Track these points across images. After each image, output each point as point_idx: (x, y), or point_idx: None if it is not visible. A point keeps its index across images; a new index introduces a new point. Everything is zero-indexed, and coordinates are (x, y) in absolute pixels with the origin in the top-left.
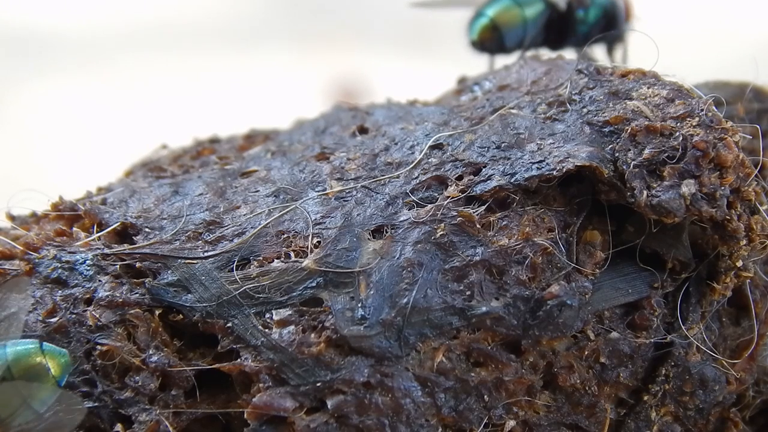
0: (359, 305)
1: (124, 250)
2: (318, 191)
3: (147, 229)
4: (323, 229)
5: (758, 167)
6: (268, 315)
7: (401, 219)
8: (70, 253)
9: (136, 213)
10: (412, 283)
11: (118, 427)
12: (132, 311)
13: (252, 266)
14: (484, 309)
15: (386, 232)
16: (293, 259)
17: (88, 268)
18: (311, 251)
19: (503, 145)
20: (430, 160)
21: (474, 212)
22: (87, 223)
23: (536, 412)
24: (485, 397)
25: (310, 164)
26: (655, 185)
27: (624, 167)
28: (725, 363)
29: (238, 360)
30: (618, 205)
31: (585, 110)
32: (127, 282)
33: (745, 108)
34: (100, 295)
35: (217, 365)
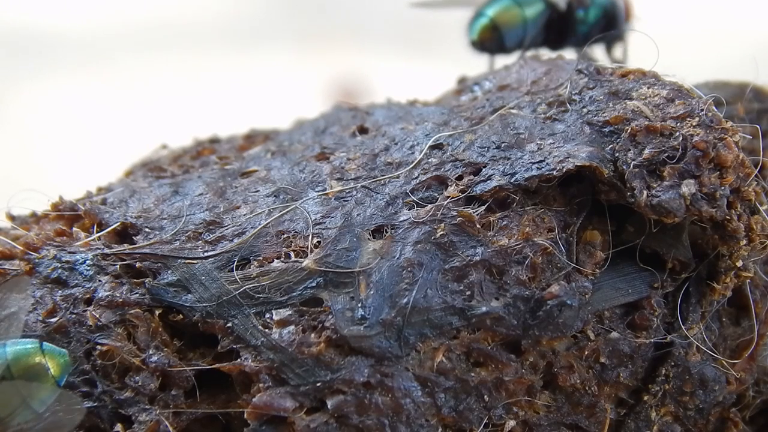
0: (359, 305)
1: (124, 250)
2: (318, 191)
3: (147, 229)
4: (323, 229)
5: (758, 167)
6: (268, 315)
7: (401, 219)
8: (70, 253)
9: (136, 213)
10: (412, 283)
11: (118, 427)
12: (132, 311)
13: (252, 266)
14: (484, 309)
15: (386, 232)
16: (293, 259)
17: (88, 268)
18: (311, 251)
19: (503, 145)
20: (430, 160)
21: (474, 212)
22: (87, 223)
23: (536, 412)
24: (485, 397)
25: (310, 164)
26: (655, 185)
27: (624, 167)
28: (725, 363)
29: (238, 360)
30: (618, 205)
31: (585, 110)
32: (127, 282)
33: (745, 108)
34: (100, 295)
35: (217, 365)
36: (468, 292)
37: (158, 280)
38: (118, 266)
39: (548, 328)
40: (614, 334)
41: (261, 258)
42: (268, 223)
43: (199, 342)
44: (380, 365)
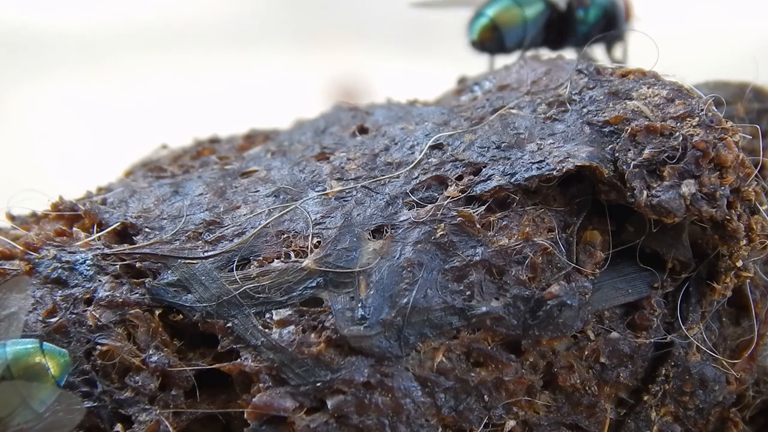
0: (359, 305)
1: (124, 250)
2: (318, 191)
3: (147, 229)
4: (323, 229)
5: (758, 167)
6: (268, 315)
7: (401, 219)
8: (70, 253)
9: (136, 213)
10: (412, 283)
11: (118, 427)
12: (132, 311)
13: (252, 266)
14: (484, 309)
15: (386, 232)
16: (293, 259)
17: (88, 268)
18: (311, 251)
19: (503, 145)
20: (430, 160)
21: (474, 212)
22: (87, 223)
23: (536, 412)
24: (485, 397)
25: (310, 164)
26: (655, 185)
27: (624, 167)
28: (725, 363)
29: (238, 360)
30: (618, 205)
31: (585, 110)
32: (127, 282)
33: (745, 108)
34: (100, 295)
35: (217, 365)
36: (468, 292)
37: (158, 280)
38: (118, 266)
39: (548, 328)
40: (614, 334)
41: (261, 258)
42: (268, 223)
43: (199, 342)
44: (380, 365)
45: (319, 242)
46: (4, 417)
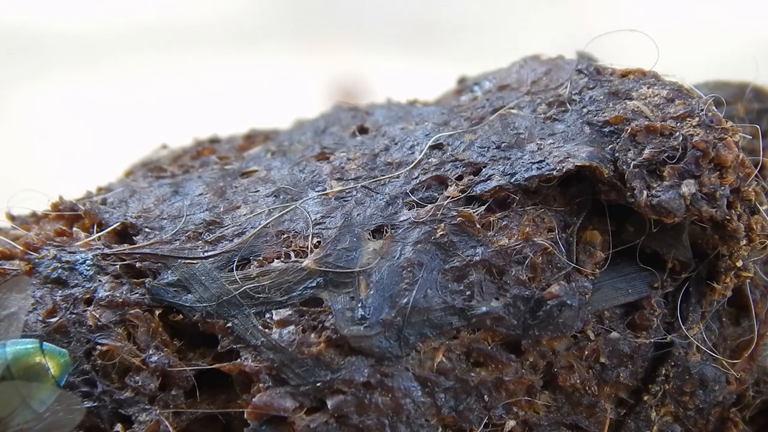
0: (359, 305)
1: (124, 250)
2: (318, 191)
3: (147, 229)
4: (323, 229)
5: (758, 167)
6: (268, 315)
7: (401, 219)
8: (70, 253)
9: (136, 213)
10: (412, 283)
11: (118, 427)
12: (132, 311)
13: (252, 266)
14: (484, 309)
15: (386, 232)
16: (293, 259)
17: (88, 268)
18: (311, 251)
19: (503, 145)
20: (430, 160)
21: (474, 212)
22: (87, 223)
23: (536, 412)
24: (485, 397)
25: (310, 164)
26: (655, 185)
27: (624, 167)
28: (725, 363)
29: (238, 360)
30: (618, 205)
31: (585, 110)
32: (127, 282)
33: (745, 108)
34: (100, 295)
35: (217, 365)
36: (468, 292)
37: (158, 280)
38: (118, 266)
39: (548, 328)
40: (614, 334)
41: (261, 258)
42: (268, 223)
43: (199, 342)
44: (380, 365)
45: (319, 242)
46: (4, 417)
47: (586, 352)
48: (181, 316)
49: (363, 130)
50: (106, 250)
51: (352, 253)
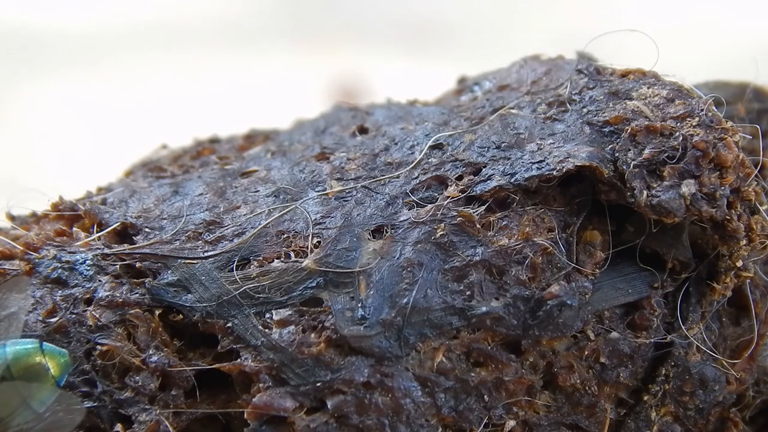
0: (359, 305)
1: (124, 250)
2: (318, 191)
3: (147, 229)
4: (323, 229)
5: (758, 167)
6: (268, 315)
7: (401, 219)
8: (70, 253)
9: (136, 213)
10: (412, 283)
11: (118, 427)
12: (132, 311)
13: (252, 266)
14: (484, 309)
15: (386, 232)
16: (293, 259)
17: (88, 268)
18: (311, 251)
19: (503, 145)
20: (430, 160)
21: (474, 212)
22: (87, 223)
23: (536, 412)
24: (485, 397)
25: (310, 164)
26: (655, 185)
27: (624, 167)
28: (725, 363)
29: (238, 360)
30: (618, 205)
31: (585, 110)
32: (127, 282)
33: (745, 108)
34: (100, 295)
35: (217, 365)
36: (468, 292)
37: (158, 280)
38: (118, 266)
39: (548, 328)
40: (614, 334)
41: (261, 258)
42: (268, 223)
43: (199, 342)
44: (380, 365)
45: (319, 242)
46: (4, 417)
47: (586, 352)
48: (181, 316)
49: (363, 130)
50: (106, 250)
51: (352, 253)
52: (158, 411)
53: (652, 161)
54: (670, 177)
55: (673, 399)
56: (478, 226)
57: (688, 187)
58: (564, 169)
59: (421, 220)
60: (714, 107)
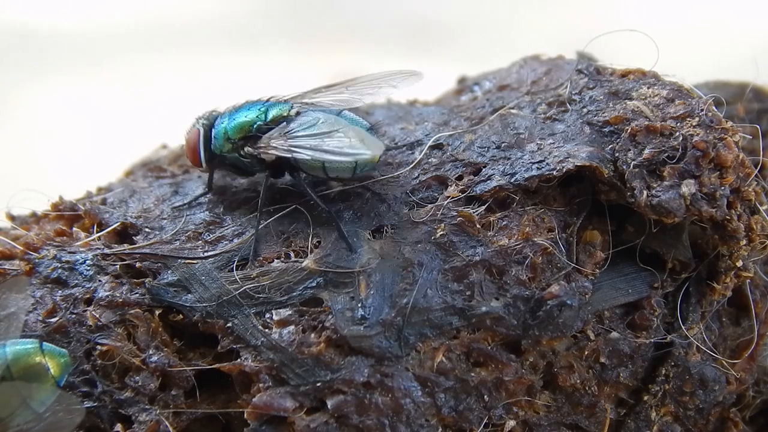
0: (359, 305)
1: (124, 250)
2: (318, 190)
3: (147, 229)
4: (323, 228)
5: (758, 167)
6: (268, 315)
7: (401, 219)
8: (70, 253)
9: (136, 213)
10: (412, 283)
11: (118, 427)
12: (132, 311)
13: (252, 266)
14: (484, 309)
15: (386, 232)
16: (293, 259)
17: (88, 268)
18: (311, 251)
19: (503, 145)
20: (430, 160)
21: (474, 212)
22: (87, 223)
23: (536, 412)
24: (485, 397)
25: None
26: (655, 185)
27: (624, 167)
28: (725, 363)
29: (238, 360)
30: (618, 205)
31: (585, 110)
32: (127, 282)
33: (745, 108)
34: (100, 295)
35: (217, 365)
36: (468, 292)
37: (158, 280)
38: (118, 266)
39: (548, 328)
40: (614, 334)
41: (261, 258)
42: (268, 222)
43: (199, 342)
44: (380, 365)
45: (319, 242)
46: (4, 417)
47: (586, 352)
48: (181, 316)
49: None
50: (106, 250)
51: (352, 253)
52: (158, 411)
53: (652, 161)
54: (670, 177)
55: (673, 399)
56: (478, 226)
57: (688, 187)
58: (564, 169)
59: (421, 220)
60: (714, 107)
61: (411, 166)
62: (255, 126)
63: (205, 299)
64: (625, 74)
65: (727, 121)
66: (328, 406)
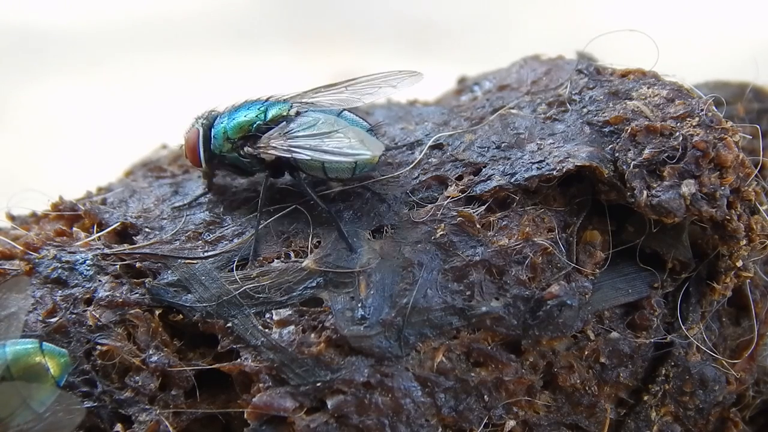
0: (359, 305)
1: (124, 250)
2: (318, 190)
3: (147, 229)
4: (323, 228)
5: (758, 167)
6: (268, 315)
7: (401, 219)
8: (70, 253)
9: (136, 213)
10: (412, 283)
11: (118, 427)
12: (132, 311)
13: (252, 266)
14: (484, 309)
15: (386, 232)
16: (293, 259)
17: (88, 268)
18: (311, 251)
19: (503, 145)
20: (430, 160)
21: (474, 212)
22: (87, 223)
23: (536, 412)
24: (485, 397)
25: None
26: (655, 185)
27: (624, 167)
28: (725, 363)
29: (238, 360)
30: (618, 205)
31: (585, 110)
32: (127, 282)
33: (745, 108)
34: (100, 295)
35: (217, 365)
36: (468, 292)
37: (158, 280)
38: (118, 266)
39: (548, 328)
40: (614, 334)
41: (261, 258)
42: (268, 222)
43: (199, 342)
44: (380, 365)
45: (319, 242)
46: (4, 417)
47: (586, 352)
48: (181, 316)
49: None
50: (106, 250)
51: (352, 253)
52: (158, 411)
53: (652, 161)
54: (670, 177)
55: (673, 399)
56: (478, 226)
57: (688, 187)
58: (564, 169)
59: (421, 220)
60: (714, 107)
61: (411, 166)
62: (254, 126)
63: (205, 299)
64: (625, 74)
65: (727, 121)
66: (328, 406)
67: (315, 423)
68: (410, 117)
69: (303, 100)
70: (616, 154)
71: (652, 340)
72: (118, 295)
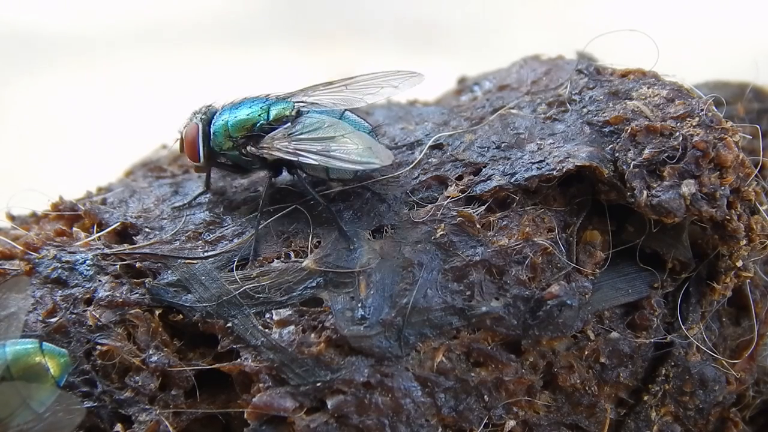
0: (359, 305)
1: (124, 250)
2: (318, 190)
3: (147, 229)
4: (323, 228)
5: (758, 167)
6: (268, 315)
7: (401, 219)
8: (70, 253)
9: (136, 213)
10: (412, 283)
11: (118, 427)
12: (132, 311)
13: (252, 266)
14: (484, 309)
15: (386, 232)
16: (293, 259)
17: (88, 268)
18: (311, 251)
19: (503, 145)
20: (430, 160)
21: (474, 212)
22: (87, 223)
23: (536, 412)
24: (485, 397)
25: None
26: (655, 185)
27: (624, 167)
28: (725, 363)
29: (238, 360)
30: (618, 205)
31: (585, 110)
32: (127, 282)
33: (745, 108)
34: (100, 295)
35: (217, 365)
36: (468, 292)
37: (158, 280)
38: (118, 266)
39: (548, 328)
40: (614, 334)
41: (261, 258)
42: (268, 222)
43: (199, 342)
44: (380, 365)
45: (319, 242)
46: (4, 417)
47: (586, 352)
48: (181, 316)
49: None
50: (106, 250)
51: (352, 253)
52: (158, 411)
53: (652, 161)
54: (670, 177)
55: (673, 399)
56: (478, 226)
57: (688, 187)
58: (564, 169)
59: (421, 220)
60: (714, 107)
61: (411, 166)
62: (258, 125)
63: (205, 299)
64: (625, 74)
65: (727, 121)
66: (328, 406)
67: (315, 423)
68: (410, 117)
69: (304, 99)
70: (616, 154)
71: (652, 340)
72: (118, 295)
